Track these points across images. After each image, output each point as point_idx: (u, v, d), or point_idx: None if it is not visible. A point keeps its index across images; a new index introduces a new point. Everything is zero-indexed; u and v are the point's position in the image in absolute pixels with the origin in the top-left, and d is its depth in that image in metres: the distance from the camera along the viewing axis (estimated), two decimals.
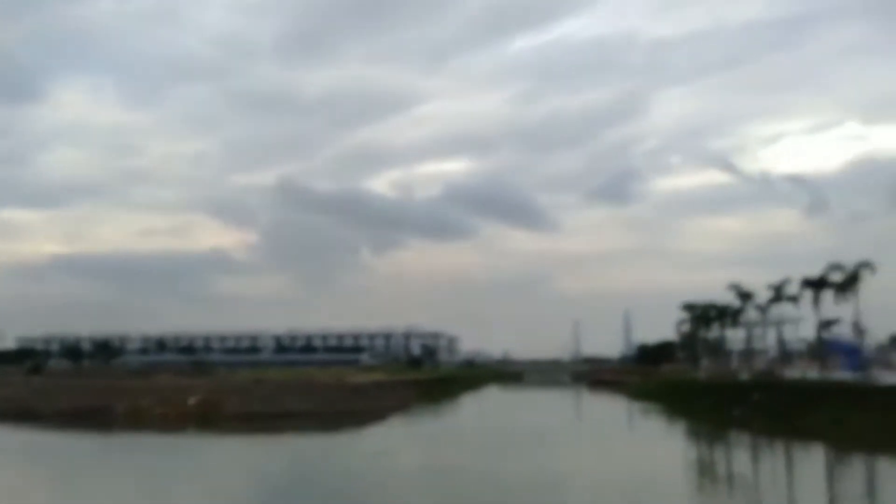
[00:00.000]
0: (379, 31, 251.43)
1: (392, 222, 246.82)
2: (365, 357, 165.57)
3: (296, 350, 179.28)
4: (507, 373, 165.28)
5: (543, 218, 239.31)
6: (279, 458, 37.15)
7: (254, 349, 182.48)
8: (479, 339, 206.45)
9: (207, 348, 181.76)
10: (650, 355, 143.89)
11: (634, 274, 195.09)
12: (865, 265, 64.40)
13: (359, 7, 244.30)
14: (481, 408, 79.06)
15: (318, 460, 36.00)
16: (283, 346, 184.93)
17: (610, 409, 78.78)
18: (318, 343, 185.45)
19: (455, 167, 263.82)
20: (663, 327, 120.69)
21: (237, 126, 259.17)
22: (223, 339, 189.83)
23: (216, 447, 42.69)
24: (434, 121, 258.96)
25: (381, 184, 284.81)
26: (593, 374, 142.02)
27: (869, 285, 64.38)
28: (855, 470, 34.80)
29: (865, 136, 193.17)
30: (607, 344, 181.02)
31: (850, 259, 65.67)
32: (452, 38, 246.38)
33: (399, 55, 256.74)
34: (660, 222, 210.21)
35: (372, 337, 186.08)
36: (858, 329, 66.95)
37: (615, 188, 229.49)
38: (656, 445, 45.02)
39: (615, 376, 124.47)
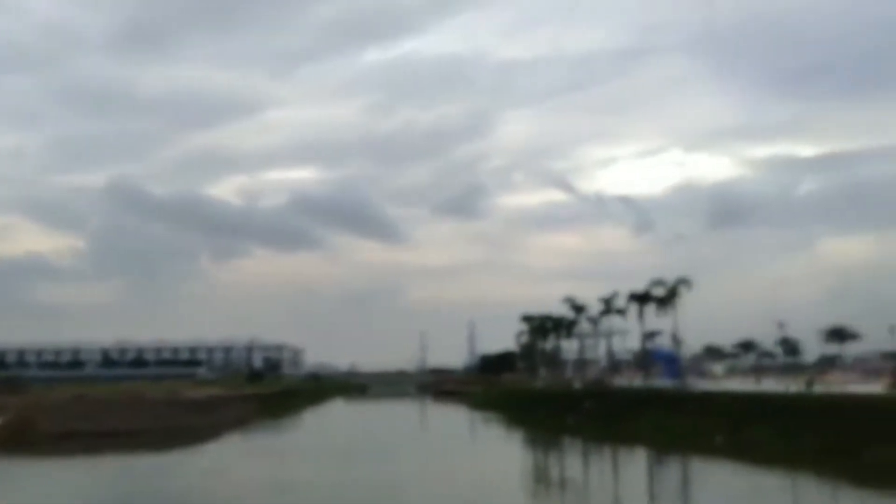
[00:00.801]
0: (224, 33, 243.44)
1: (235, 230, 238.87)
2: (202, 371, 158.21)
3: (125, 364, 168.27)
4: (352, 385, 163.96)
5: (393, 230, 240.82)
6: (98, 480, 34.56)
7: (76, 363, 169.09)
8: (325, 351, 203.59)
9: (22, 363, 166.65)
10: (492, 365, 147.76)
11: (479, 286, 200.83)
12: (683, 281, 69.80)
13: (203, 7, 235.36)
14: (323, 421, 77.84)
15: (143, 481, 33.80)
16: (110, 359, 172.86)
17: (452, 418, 79.96)
18: (150, 356, 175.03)
19: (303, 175, 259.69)
20: (506, 338, 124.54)
21: (63, 122, 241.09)
22: (40, 352, 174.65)
23: (26, 472, 39.08)
24: (282, 128, 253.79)
25: (224, 190, 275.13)
26: (438, 385, 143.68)
27: (686, 300, 69.86)
28: (671, 469, 37.71)
29: (687, 163, 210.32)
30: (453, 355, 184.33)
31: (671, 275, 71.06)
32: (302, 46, 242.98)
33: (246, 59, 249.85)
34: (504, 237, 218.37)
35: (211, 350, 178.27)
36: (676, 340, 72.34)
37: (462, 203, 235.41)
38: (494, 452, 46.06)
39: (459, 386, 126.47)
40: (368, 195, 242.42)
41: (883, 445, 31.54)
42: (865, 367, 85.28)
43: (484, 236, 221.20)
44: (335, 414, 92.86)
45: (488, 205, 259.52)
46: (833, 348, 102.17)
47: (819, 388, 50.47)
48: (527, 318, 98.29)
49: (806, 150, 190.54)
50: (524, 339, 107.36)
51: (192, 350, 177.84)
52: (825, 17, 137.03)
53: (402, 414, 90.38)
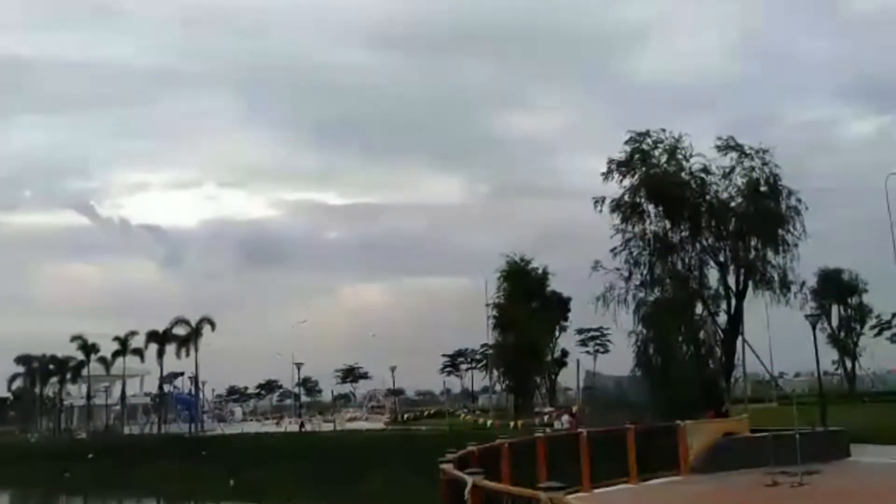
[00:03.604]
0: None
1: None
2: None
3: None
4: None
5: None
6: None
7: None
8: None
9: None
10: None
11: None
12: (206, 320, 67.80)
13: None
14: None
15: None
16: None
17: None
18: None
19: None
20: None
21: None
22: None
23: None
24: None
25: None
26: None
27: (211, 339, 67.87)
28: None
29: (220, 198, 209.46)
30: None
31: (199, 314, 68.34)
32: None
33: None
34: (5, 263, 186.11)
35: None
36: (196, 382, 69.61)
37: None
38: None
39: None
40: None
41: (376, 473, 35.56)
42: (373, 403, 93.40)
43: None
44: None
45: None
46: (347, 387, 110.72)
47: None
48: (23, 359, 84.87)
49: (333, 199, 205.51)
50: (19, 384, 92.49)
51: None
52: (368, 77, 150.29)
53: None
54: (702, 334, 27.37)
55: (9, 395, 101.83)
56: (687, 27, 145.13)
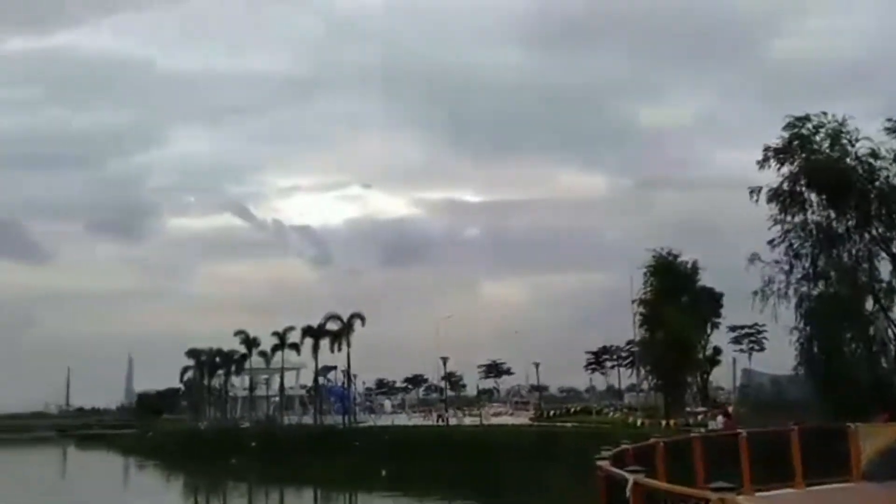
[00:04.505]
0: None
1: None
2: None
3: None
4: None
5: (33, 248, 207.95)
6: None
7: None
8: None
9: None
10: (151, 405, 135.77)
11: (141, 317, 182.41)
12: (357, 316, 70.25)
13: None
14: None
15: None
16: None
17: (100, 467, 70.63)
18: None
19: None
20: (170, 375, 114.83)
21: None
22: None
23: None
24: None
25: None
26: (86, 428, 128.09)
27: (360, 334, 70.33)
28: None
29: (364, 198, 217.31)
30: (107, 394, 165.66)
31: (347, 310, 71.10)
32: None
33: None
34: (171, 263, 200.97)
35: None
36: (348, 375, 72.43)
37: (123, 223, 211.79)
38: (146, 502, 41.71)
39: (110, 430, 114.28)
40: (2, 202, 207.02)
41: (525, 468, 35.51)
42: (517, 398, 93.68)
43: (148, 261, 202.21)
44: None
45: (154, 226, 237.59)
46: (490, 382, 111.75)
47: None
48: (193, 353, 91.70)
49: (472, 196, 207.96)
50: (189, 375, 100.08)
51: None
52: (508, 75, 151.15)
53: (34, 462, 77.80)
54: (873, 330, 25.46)
55: (181, 385, 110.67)
56: (839, 2, 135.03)
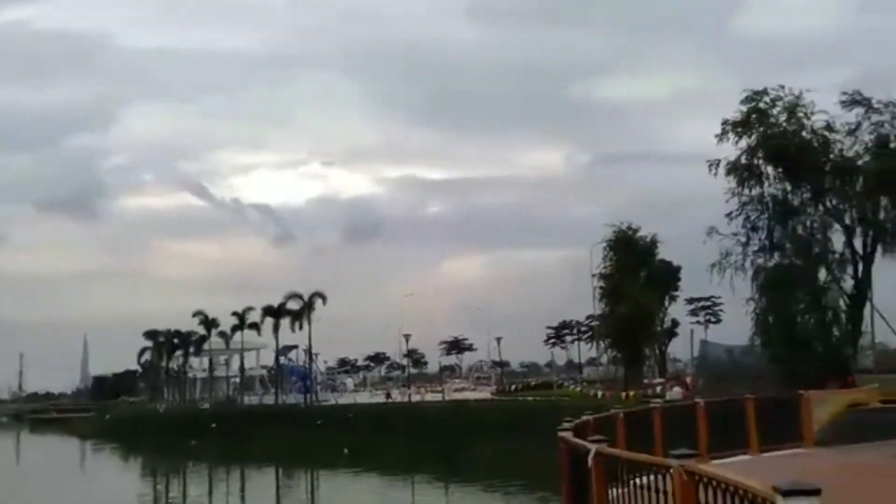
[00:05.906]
0: None
1: None
2: None
3: None
4: None
5: None
6: None
7: None
8: None
9: None
10: (108, 388, 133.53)
11: (97, 299, 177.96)
12: (318, 295, 69.69)
13: None
14: None
15: None
16: None
17: (55, 451, 69.23)
18: None
19: None
20: (127, 357, 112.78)
21: None
22: None
23: None
24: None
25: None
26: (40, 413, 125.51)
27: (321, 313, 69.82)
28: (295, 483, 39.97)
29: (325, 177, 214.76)
30: (62, 378, 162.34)
31: (310, 289, 70.47)
32: None
33: None
34: (127, 243, 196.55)
35: None
36: (309, 354, 72.00)
37: (78, 202, 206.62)
38: (103, 486, 41.08)
39: (65, 414, 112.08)
40: None
41: (488, 442, 36.27)
42: (478, 374, 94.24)
43: (104, 241, 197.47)
44: None
45: (110, 206, 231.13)
46: (452, 359, 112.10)
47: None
48: (150, 334, 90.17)
49: (434, 174, 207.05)
50: (147, 357, 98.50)
51: None
52: (467, 52, 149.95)
53: None
54: (826, 300, 25.98)
55: (138, 367, 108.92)
56: None
